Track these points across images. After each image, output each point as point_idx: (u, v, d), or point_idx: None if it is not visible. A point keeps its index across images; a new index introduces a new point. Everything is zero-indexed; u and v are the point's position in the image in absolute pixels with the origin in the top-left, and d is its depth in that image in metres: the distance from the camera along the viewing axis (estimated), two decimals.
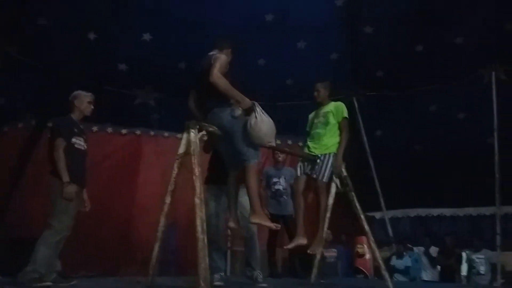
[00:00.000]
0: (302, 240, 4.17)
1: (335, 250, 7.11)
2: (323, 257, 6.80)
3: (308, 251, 4.31)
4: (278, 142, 7.72)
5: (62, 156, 3.88)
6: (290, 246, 4.24)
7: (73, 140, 4.04)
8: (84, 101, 4.22)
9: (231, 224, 3.67)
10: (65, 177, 3.83)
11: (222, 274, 4.55)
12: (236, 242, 6.28)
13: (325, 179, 4.20)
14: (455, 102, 7.68)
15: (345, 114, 4.39)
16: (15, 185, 6.17)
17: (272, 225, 3.59)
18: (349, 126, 4.43)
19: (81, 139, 4.15)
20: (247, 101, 3.45)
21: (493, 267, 6.67)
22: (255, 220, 3.46)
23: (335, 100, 4.58)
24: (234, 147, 3.49)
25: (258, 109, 3.44)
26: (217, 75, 3.38)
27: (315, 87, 4.53)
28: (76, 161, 4.01)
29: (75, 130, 4.11)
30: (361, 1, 7.65)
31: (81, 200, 4.10)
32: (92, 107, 4.27)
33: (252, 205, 3.45)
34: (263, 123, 3.41)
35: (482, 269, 6.76)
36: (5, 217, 5.91)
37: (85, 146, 4.18)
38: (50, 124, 5.64)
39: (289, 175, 5.76)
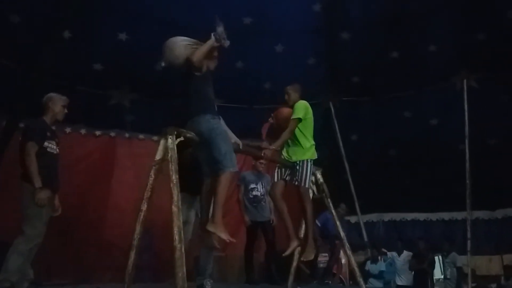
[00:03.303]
0: (296, 243, 4.17)
1: (326, 254, 7.00)
2: (315, 262, 6.85)
3: (302, 259, 4.30)
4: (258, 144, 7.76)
5: (34, 161, 3.77)
6: (288, 252, 4.18)
7: (46, 144, 3.94)
8: (58, 104, 4.11)
9: (202, 233, 3.63)
10: (37, 183, 3.73)
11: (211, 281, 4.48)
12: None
13: (307, 185, 4.20)
14: (428, 109, 7.88)
15: (298, 115, 4.23)
16: None
17: (226, 237, 3.47)
18: (292, 128, 4.21)
19: (54, 142, 4.05)
20: (211, 40, 3.52)
21: (458, 271, 6.77)
22: (211, 228, 3.42)
23: (311, 104, 4.55)
24: (211, 154, 3.47)
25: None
26: (193, 57, 3.43)
27: (285, 90, 4.49)
28: (48, 165, 3.91)
29: (48, 133, 4.00)
30: (338, 7, 7.73)
31: (53, 205, 4.00)
32: (66, 111, 4.17)
33: (214, 214, 3.43)
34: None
35: (448, 273, 6.87)
36: None
37: (57, 150, 4.08)
38: (22, 125, 5.52)
39: (266, 181, 5.75)
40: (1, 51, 6.29)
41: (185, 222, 4.22)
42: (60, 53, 6.79)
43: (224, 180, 3.41)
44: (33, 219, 3.74)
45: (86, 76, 7.15)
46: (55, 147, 4.03)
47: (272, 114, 4.55)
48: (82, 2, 6.72)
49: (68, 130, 6.62)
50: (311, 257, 4.34)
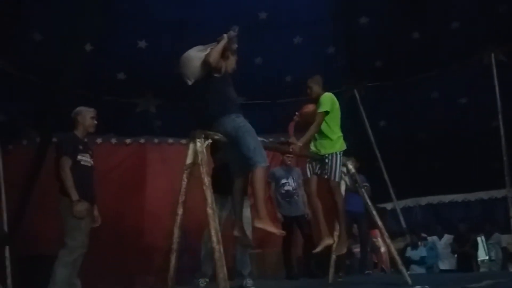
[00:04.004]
0: (328, 241, 4.12)
1: None
2: (351, 254, 6.77)
3: (334, 253, 4.28)
4: (282, 138, 7.74)
5: (69, 175, 3.87)
6: (319, 249, 4.14)
7: (79, 157, 4.02)
8: (87, 117, 4.19)
9: (236, 232, 3.63)
10: (74, 196, 3.83)
11: (207, 280, 4.51)
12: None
13: (337, 179, 4.15)
14: (456, 88, 7.65)
15: (325, 108, 4.15)
16: (25, 203, 6.16)
17: (276, 231, 3.48)
18: (320, 121, 4.14)
19: (87, 155, 4.13)
20: (224, 40, 3.51)
21: (503, 251, 6.59)
22: (259, 224, 3.39)
23: (335, 93, 4.47)
24: (240, 152, 3.44)
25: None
26: (209, 57, 3.43)
27: (307, 84, 4.41)
28: (83, 178, 4.00)
29: (80, 147, 4.08)
30: None
31: (92, 217, 4.10)
32: (96, 122, 4.26)
33: (258, 210, 3.40)
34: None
35: (492, 254, 6.71)
36: (16, 236, 5.89)
37: (92, 162, 4.17)
38: (55, 140, 5.66)
39: (297, 175, 5.73)
40: (28, 69, 6.48)
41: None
42: (84, 66, 6.94)
43: (259, 175, 3.37)
44: (73, 231, 3.85)
45: (111, 86, 7.28)
46: (89, 159, 4.12)
47: (296, 113, 4.51)
48: (100, 15, 6.83)
49: (99, 140, 6.77)
50: (344, 251, 4.30)
